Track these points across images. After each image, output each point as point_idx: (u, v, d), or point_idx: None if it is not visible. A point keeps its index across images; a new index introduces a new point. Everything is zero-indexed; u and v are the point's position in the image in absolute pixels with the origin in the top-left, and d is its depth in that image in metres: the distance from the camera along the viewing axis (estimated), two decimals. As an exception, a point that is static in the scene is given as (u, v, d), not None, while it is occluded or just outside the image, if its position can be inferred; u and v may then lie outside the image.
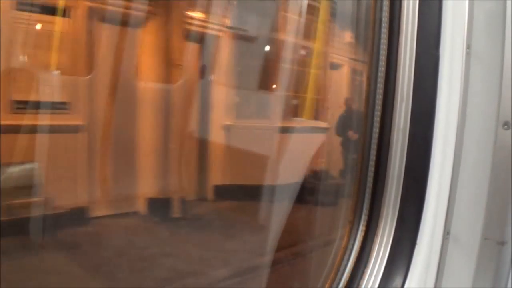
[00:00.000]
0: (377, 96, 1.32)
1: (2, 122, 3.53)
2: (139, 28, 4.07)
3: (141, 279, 2.98)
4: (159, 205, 3.87)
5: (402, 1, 1.28)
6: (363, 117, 1.35)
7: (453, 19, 1.27)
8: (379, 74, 1.32)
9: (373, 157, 1.32)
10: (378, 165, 1.31)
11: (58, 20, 3.96)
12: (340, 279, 1.28)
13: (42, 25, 3.94)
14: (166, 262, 3.18)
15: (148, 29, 4.24)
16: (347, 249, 1.30)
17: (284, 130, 4.71)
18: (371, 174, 1.32)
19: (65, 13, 3.99)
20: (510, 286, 1.31)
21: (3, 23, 3.54)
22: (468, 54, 1.29)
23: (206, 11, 4.42)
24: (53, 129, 3.66)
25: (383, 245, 1.29)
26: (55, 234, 3.26)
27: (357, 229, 1.31)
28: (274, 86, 5.12)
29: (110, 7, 3.94)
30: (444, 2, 1.27)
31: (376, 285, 1.26)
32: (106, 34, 3.99)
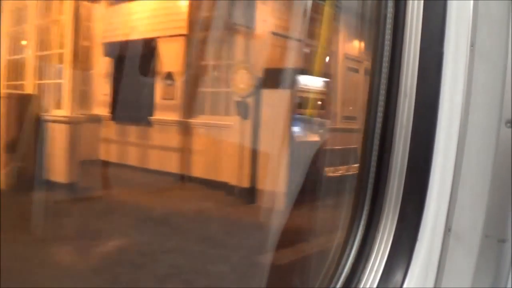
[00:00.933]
0: (380, 92, 1.32)
1: (339, 126, 8.01)
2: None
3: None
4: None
5: (407, -3, 1.28)
6: (366, 112, 1.35)
7: (458, 16, 1.27)
8: (383, 70, 1.31)
9: (375, 152, 1.31)
10: (380, 161, 1.31)
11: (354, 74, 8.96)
12: (341, 274, 1.29)
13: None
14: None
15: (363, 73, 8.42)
16: (347, 244, 1.31)
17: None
18: (373, 169, 1.32)
19: (358, 70, 8.84)
20: (510, 284, 1.31)
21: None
22: (472, 52, 1.28)
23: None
24: (352, 130, 6.55)
25: (384, 240, 1.29)
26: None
27: (358, 224, 1.31)
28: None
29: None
30: (449, -2, 1.27)
31: (377, 280, 1.26)
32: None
